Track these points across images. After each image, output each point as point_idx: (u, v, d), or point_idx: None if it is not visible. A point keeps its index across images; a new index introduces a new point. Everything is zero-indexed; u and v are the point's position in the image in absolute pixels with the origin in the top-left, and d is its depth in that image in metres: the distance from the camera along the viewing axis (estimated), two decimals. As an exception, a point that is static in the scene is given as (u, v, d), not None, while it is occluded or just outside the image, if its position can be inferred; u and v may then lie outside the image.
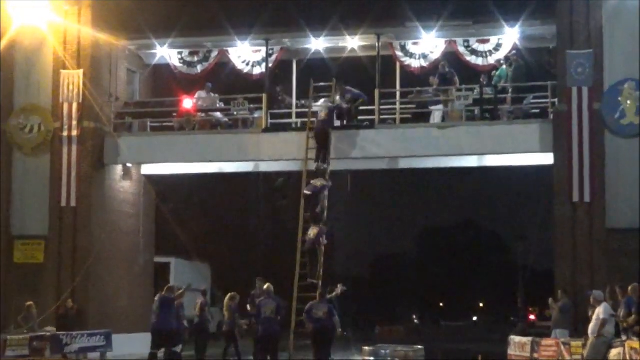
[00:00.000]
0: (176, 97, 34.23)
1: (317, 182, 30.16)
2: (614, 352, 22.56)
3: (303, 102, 32.57)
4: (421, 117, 32.15)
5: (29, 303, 29.48)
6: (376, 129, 31.34)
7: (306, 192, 30.14)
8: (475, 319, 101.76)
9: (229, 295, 27.11)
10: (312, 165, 30.77)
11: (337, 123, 31.59)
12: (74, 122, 32.26)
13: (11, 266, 32.19)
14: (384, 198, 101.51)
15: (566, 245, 28.74)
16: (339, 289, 25.43)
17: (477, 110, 31.33)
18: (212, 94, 34.17)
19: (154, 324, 24.45)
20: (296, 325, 28.55)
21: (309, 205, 30.24)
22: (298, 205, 31.01)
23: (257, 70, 33.38)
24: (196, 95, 33.81)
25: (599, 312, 22.14)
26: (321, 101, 31.76)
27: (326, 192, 30.29)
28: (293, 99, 33.68)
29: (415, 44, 32.34)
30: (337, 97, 31.82)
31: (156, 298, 24.90)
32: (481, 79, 31.63)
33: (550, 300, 27.79)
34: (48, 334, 28.83)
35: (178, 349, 24.54)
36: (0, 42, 32.50)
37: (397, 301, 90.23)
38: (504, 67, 31.45)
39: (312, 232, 29.44)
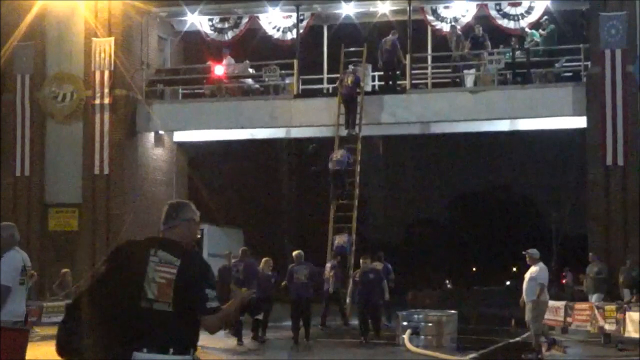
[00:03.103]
0: (207, 63, 34.24)
1: (339, 154, 29.97)
2: (633, 316, 22.49)
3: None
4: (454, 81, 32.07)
5: (64, 270, 29.71)
6: (408, 93, 31.22)
7: (334, 168, 29.96)
8: (508, 283, 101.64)
9: (263, 260, 27.16)
10: (344, 131, 30.77)
11: (365, 85, 31.57)
12: (106, 90, 32.35)
13: (46, 234, 32.45)
14: (416, 163, 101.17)
15: (599, 209, 28.60)
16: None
17: (509, 74, 31.14)
18: (231, 58, 33.99)
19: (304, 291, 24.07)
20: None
21: (337, 182, 30.18)
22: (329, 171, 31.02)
23: (288, 36, 33.32)
24: (223, 62, 33.77)
25: (535, 273, 21.33)
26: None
27: (351, 164, 30.23)
28: (324, 64, 33.67)
29: (446, 7, 32.15)
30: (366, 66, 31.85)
31: (299, 267, 24.25)
32: (512, 42, 31.38)
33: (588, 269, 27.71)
34: (83, 300, 29.05)
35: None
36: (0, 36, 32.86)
37: (430, 266, 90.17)
38: (534, 31, 31.19)
39: (340, 239, 29.28)
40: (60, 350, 6.49)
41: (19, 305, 11.45)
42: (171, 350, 6.36)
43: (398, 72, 31.55)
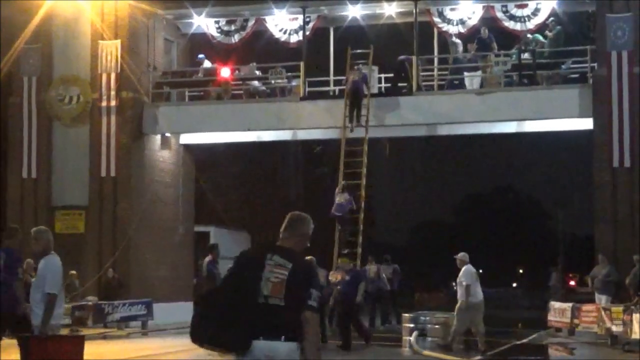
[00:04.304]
0: (213, 65, 34.25)
1: (342, 198, 29.19)
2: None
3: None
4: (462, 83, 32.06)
5: (71, 272, 29.72)
6: (414, 95, 31.20)
7: (336, 213, 29.06)
8: (515, 285, 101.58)
9: None
10: (349, 134, 30.71)
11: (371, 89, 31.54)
12: (113, 93, 32.39)
13: (52, 236, 32.38)
14: (423, 165, 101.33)
15: (606, 210, 28.55)
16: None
17: (515, 76, 31.12)
18: (209, 62, 34.05)
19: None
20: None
21: (340, 225, 29.65)
22: (336, 172, 30.95)
23: (295, 39, 33.31)
24: (202, 67, 33.94)
25: (460, 276, 21.87)
26: None
27: (354, 211, 29.41)
28: (330, 66, 33.67)
29: (452, 9, 32.10)
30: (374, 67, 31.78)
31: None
32: (520, 44, 31.30)
33: (595, 269, 27.68)
34: (90, 303, 29.14)
35: None
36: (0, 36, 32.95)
37: (436, 268, 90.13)
38: (537, 34, 31.14)
39: (334, 276, 28.85)
40: (193, 336, 7.67)
41: (59, 309, 11.50)
42: (283, 338, 7.49)
43: (402, 85, 31.50)
